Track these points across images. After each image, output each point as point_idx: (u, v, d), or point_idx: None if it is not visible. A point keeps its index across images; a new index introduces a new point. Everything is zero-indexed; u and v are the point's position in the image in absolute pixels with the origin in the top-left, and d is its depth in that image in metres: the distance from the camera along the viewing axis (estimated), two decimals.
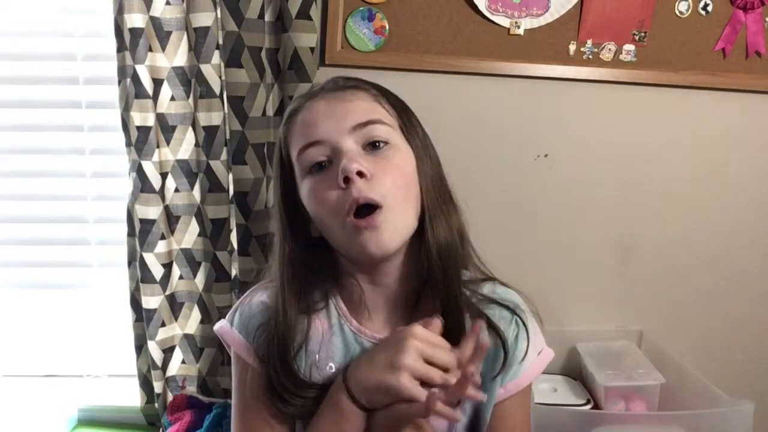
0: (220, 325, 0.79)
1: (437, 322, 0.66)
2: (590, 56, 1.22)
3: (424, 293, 0.71)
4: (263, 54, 1.13)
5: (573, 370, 1.34)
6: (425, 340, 0.63)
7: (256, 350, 0.73)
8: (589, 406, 1.21)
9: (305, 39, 1.12)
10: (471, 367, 0.60)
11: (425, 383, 0.62)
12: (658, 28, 1.22)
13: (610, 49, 1.22)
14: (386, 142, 0.65)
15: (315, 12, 1.12)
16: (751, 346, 1.41)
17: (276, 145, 0.73)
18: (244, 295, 0.79)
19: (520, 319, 0.74)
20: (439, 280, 0.69)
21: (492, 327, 0.71)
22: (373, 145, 0.65)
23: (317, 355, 0.71)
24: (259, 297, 0.77)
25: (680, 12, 1.22)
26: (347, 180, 0.62)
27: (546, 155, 1.30)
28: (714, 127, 1.30)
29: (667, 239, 1.35)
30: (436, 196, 0.69)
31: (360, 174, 0.62)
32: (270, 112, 1.17)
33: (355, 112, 0.65)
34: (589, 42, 1.22)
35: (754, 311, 1.40)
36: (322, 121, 0.65)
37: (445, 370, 0.62)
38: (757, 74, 1.25)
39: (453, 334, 0.67)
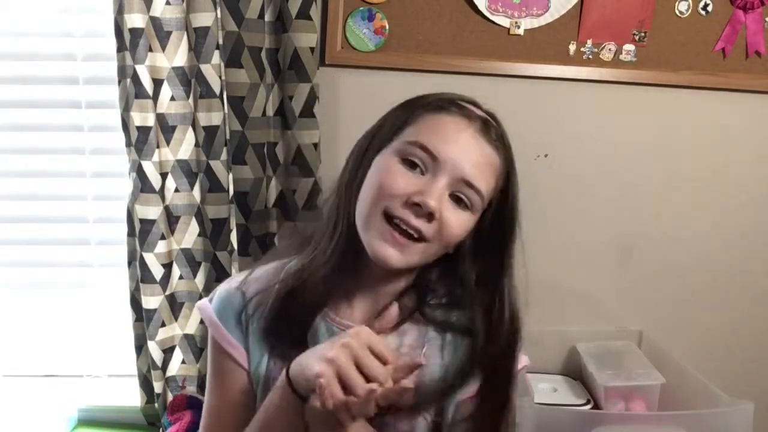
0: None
1: (394, 309, 0.69)
2: (590, 56, 1.22)
3: (409, 293, 0.73)
4: (263, 54, 1.13)
5: (573, 370, 1.34)
6: (366, 344, 0.61)
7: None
8: (589, 406, 1.21)
9: (305, 39, 1.12)
10: (404, 382, 0.60)
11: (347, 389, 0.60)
12: (658, 28, 1.22)
13: (610, 49, 1.22)
14: (468, 207, 0.68)
15: (315, 12, 1.12)
16: (751, 346, 1.41)
17: (397, 109, 0.72)
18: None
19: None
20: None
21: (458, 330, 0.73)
22: (457, 199, 0.67)
23: None
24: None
25: (680, 12, 1.22)
26: (417, 206, 0.64)
27: (546, 155, 1.30)
28: (714, 127, 1.30)
29: (667, 239, 1.35)
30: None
31: (430, 216, 0.65)
32: (270, 112, 1.17)
33: (475, 168, 0.66)
34: (589, 42, 1.22)
35: (754, 311, 1.40)
36: (453, 146, 0.66)
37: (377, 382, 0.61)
38: (757, 74, 1.25)
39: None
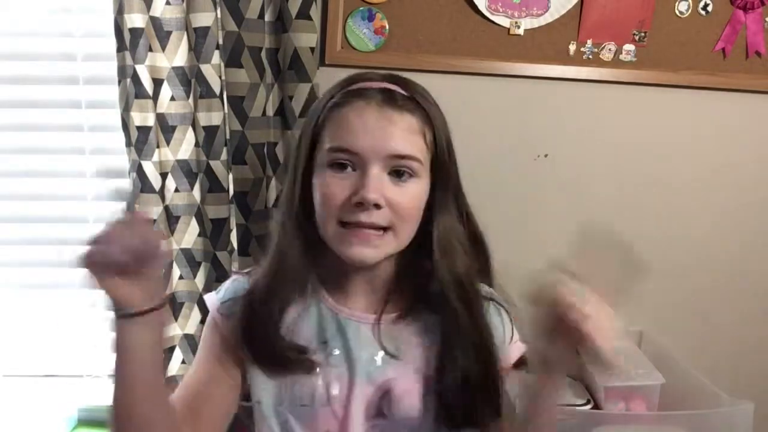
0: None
1: (396, 297, 0.73)
2: (590, 56, 1.22)
3: (407, 276, 0.74)
4: (263, 54, 1.13)
5: (573, 370, 1.34)
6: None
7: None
8: (589, 406, 1.21)
9: (305, 39, 1.12)
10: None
11: None
12: (658, 28, 1.22)
13: (610, 49, 1.22)
14: (411, 175, 0.67)
15: (315, 12, 1.12)
16: (751, 346, 1.41)
17: (308, 119, 0.72)
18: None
19: (499, 304, 0.77)
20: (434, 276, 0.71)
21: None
22: (397, 173, 0.67)
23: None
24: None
25: (680, 12, 1.22)
26: (361, 205, 0.64)
27: (546, 155, 1.30)
28: (714, 127, 1.30)
29: (667, 239, 1.35)
30: (448, 220, 0.71)
31: (376, 206, 0.64)
32: (270, 112, 1.17)
33: (397, 141, 0.65)
34: (589, 42, 1.22)
35: (755, 311, 1.40)
36: (363, 134, 0.65)
37: None
38: (757, 74, 1.25)
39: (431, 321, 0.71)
